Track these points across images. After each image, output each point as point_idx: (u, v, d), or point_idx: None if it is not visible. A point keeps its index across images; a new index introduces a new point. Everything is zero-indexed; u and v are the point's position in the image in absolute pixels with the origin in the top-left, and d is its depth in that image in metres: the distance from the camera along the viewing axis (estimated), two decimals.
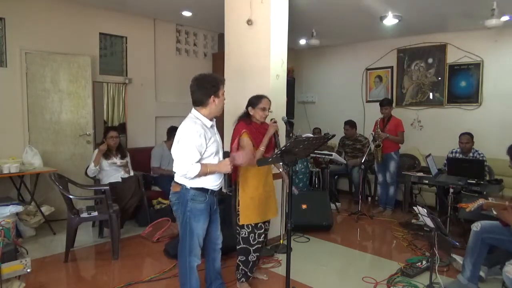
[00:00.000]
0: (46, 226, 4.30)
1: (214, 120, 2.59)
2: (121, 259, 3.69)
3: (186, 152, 2.37)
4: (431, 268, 2.98)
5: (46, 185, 4.49)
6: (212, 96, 2.44)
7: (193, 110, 2.51)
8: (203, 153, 2.43)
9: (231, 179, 3.01)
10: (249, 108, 3.03)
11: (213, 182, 2.52)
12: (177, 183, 2.51)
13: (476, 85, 5.83)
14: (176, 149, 2.42)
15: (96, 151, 4.48)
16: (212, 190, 2.54)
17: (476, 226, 3.04)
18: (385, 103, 5.36)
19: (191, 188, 2.46)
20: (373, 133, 5.45)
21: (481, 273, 3.11)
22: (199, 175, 2.40)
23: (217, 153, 2.53)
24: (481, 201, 2.99)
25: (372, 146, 5.45)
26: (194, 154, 2.37)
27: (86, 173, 4.56)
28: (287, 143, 2.47)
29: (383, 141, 5.24)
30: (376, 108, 5.47)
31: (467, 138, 4.72)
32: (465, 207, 3.25)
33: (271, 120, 3.07)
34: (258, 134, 2.99)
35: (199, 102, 2.47)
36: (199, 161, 2.41)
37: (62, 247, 3.70)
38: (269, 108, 3.04)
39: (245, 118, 3.03)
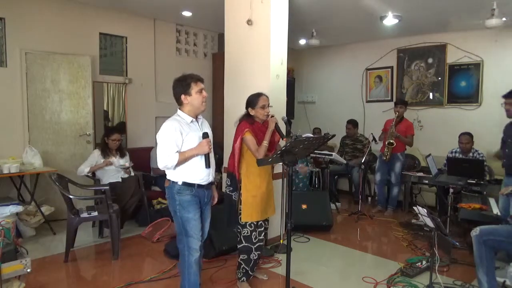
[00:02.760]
0: (46, 226, 4.31)
1: (201, 118, 2.71)
2: (121, 259, 3.69)
3: (164, 145, 2.50)
4: (431, 268, 2.97)
5: (46, 185, 4.49)
6: (183, 95, 2.56)
7: (178, 109, 2.66)
8: (181, 147, 2.52)
9: (236, 178, 3.01)
10: (249, 109, 3.03)
11: (197, 176, 2.57)
12: (168, 179, 2.60)
13: (476, 85, 5.83)
14: (157, 144, 2.55)
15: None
16: (198, 184, 2.58)
17: (475, 231, 3.03)
18: (399, 102, 5.37)
19: (177, 182, 2.55)
20: (372, 134, 5.45)
21: None
22: (179, 163, 2.49)
23: None
24: None
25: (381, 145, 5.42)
26: (171, 145, 2.48)
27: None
28: (287, 143, 2.47)
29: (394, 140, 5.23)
30: (377, 108, 5.46)
31: (467, 139, 4.72)
32: (465, 207, 3.25)
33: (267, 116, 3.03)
34: (260, 133, 2.98)
35: (176, 101, 2.63)
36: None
37: (62, 247, 3.70)
38: (269, 104, 3.04)
39: (247, 118, 3.03)
